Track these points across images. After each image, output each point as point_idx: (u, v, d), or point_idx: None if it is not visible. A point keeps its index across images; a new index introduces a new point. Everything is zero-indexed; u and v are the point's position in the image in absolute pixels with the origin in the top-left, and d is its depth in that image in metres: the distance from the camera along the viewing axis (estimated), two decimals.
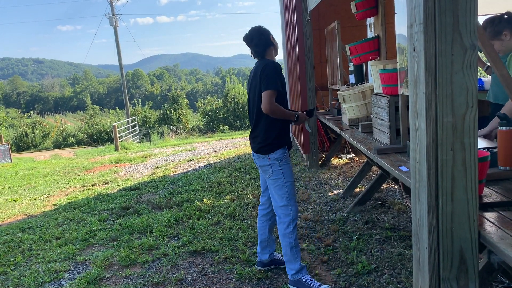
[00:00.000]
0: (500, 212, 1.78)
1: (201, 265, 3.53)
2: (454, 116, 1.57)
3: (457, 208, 1.61)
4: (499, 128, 2.11)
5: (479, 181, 1.63)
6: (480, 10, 1.70)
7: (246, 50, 3.11)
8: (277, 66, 2.91)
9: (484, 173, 1.89)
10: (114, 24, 24.17)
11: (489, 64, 4.18)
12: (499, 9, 4.47)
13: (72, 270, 3.70)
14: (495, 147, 2.25)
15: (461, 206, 1.61)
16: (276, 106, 2.85)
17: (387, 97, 3.02)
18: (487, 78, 4.38)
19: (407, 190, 3.64)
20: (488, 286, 1.84)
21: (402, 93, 2.72)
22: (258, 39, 2.99)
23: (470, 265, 1.64)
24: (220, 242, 3.94)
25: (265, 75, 2.85)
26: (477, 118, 1.58)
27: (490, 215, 1.75)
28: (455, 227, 1.62)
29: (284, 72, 9.41)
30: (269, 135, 2.96)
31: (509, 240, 1.51)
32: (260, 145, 3.00)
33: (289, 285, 3.01)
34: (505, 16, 2.87)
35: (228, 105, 23.39)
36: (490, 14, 3.14)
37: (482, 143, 2.41)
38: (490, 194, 1.93)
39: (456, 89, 1.56)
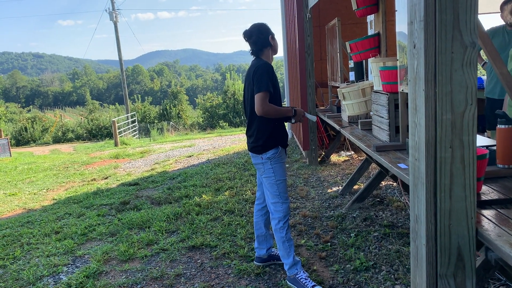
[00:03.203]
0: (498, 209, 1.79)
1: (199, 260, 3.55)
2: (453, 113, 1.58)
3: (455, 205, 1.62)
4: (498, 126, 2.12)
5: (477, 178, 1.64)
6: (480, 9, 1.70)
7: (246, 47, 3.09)
8: (269, 67, 2.92)
9: (483, 170, 1.90)
10: (115, 19, 24.13)
11: (486, 60, 4.18)
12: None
13: (71, 264, 3.71)
14: (494, 145, 2.26)
15: (459, 204, 1.62)
16: (270, 107, 2.86)
17: (387, 94, 3.02)
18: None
19: (405, 187, 3.65)
20: (485, 283, 1.85)
21: (402, 90, 2.73)
22: (257, 37, 2.98)
23: (467, 262, 1.65)
24: (219, 237, 3.96)
25: (257, 77, 2.86)
26: (476, 115, 1.58)
27: (487, 213, 1.76)
28: (453, 224, 1.63)
29: (284, 68, 9.40)
30: (261, 135, 2.98)
31: (506, 237, 1.52)
32: (253, 144, 3.03)
33: (287, 281, 3.03)
34: None
35: (227, 101, 23.39)
36: (490, 13, 3.14)
37: (481, 141, 2.42)
38: (488, 192, 1.94)
39: (456, 86, 1.56)
